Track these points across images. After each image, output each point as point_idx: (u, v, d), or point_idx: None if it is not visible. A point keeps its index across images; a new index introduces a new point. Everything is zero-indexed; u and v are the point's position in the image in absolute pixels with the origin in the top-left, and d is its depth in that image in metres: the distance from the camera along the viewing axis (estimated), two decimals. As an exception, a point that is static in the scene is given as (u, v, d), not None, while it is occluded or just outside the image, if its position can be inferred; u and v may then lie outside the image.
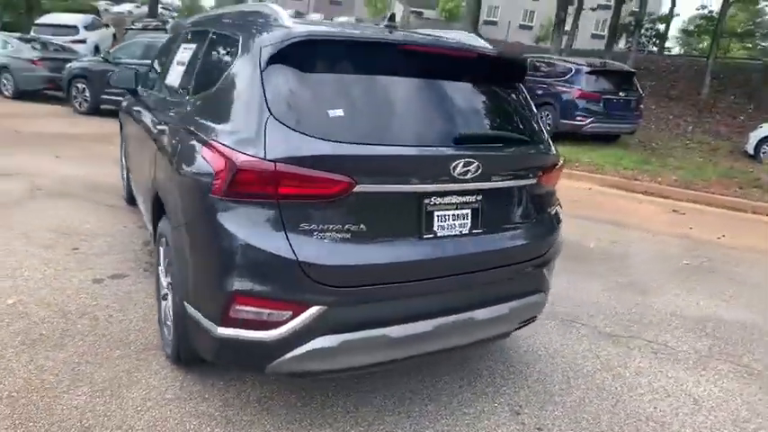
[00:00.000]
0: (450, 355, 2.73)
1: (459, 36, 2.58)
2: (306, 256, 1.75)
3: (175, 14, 30.88)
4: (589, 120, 9.46)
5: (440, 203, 1.99)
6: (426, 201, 1.96)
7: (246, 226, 1.76)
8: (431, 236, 1.98)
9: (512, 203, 2.25)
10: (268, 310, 1.78)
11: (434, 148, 1.95)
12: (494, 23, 40.17)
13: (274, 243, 1.74)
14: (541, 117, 10.41)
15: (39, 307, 2.90)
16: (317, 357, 1.84)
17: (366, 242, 1.86)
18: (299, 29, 1.93)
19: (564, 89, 9.76)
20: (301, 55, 1.87)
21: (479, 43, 2.51)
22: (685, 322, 3.61)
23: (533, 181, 2.25)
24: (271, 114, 1.78)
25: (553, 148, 2.41)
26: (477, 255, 2.09)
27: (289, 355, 1.82)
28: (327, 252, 1.79)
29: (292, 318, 1.78)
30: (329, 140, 1.77)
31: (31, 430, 2.01)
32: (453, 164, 1.93)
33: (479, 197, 2.09)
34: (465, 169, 1.96)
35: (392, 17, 2.35)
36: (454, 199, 2.03)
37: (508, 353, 2.93)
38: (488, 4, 44.00)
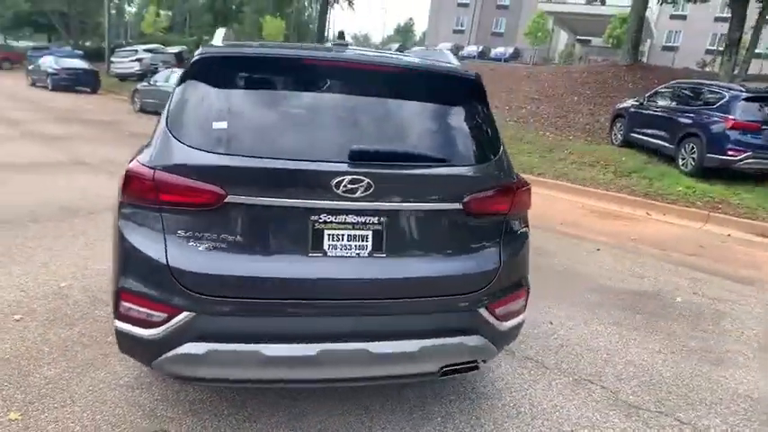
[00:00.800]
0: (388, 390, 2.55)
1: (433, 56, 2.45)
2: (177, 262, 1.83)
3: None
4: (744, 154, 7.94)
5: (331, 222, 1.91)
6: (314, 218, 1.89)
7: (135, 230, 1.90)
8: (319, 254, 1.90)
9: (428, 229, 2.04)
10: (147, 310, 1.88)
11: (316, 163, 1.87)
12: (672, 49, 36.27)
13: (153, 247, 1.85)
14: (684, 150, 9.09)
15: (80, 292, 3.43)
16: (185, 363, 1.88)
17: (242, 254, 1.87)
18: (206, 49, 2.05)
19: (713, 119, 8.36)
20: (201, 72, 1.98)
21: (444, 61, 2.36)
22: (753, 407, 2.80)
23: (456, 206, 2.02)
24: (166, 126, 1.92)
25: (503, 171, 2.14)
26: (376, 281, 1.94)
27: (164, 356, 1.89)
28: (198, 260, 1.84)
29: (167, 320, 1.85)
30: (204, 151, 1.83)
31: (3, 388, 2.39)
32: (336, 180, 1.84)
33: (383, 219, 1.95)
34: (352, 187, 1.86)
35: (341, 35, 2.34)
36: (350, 218, 1.92)
37: (479, 401, 2.61)
38: (669, 28, 40.00)
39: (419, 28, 77.40)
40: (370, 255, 1.95)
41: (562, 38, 40.25)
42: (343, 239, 1.92)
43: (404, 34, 77.44)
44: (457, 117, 2.18)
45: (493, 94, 16.81)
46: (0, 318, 2.99)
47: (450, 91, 2.20)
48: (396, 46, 40.71)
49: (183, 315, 1.83)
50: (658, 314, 3.96)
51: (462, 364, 2.15)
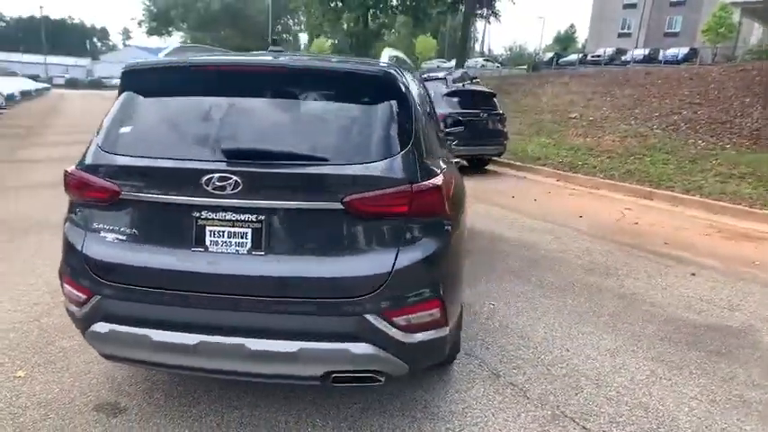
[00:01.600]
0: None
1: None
2: (89, 250, 2.09)
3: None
4: None
5: (212, 218, 2.00)
6: (196, 214, 2.00)
7: (71, 222, 2.22)
8: (201, 249, 2.00)
9: (309, 229, 1.99)
10: (75, 292, 2.17)
11: (191, 162, 1.98)
12: None
13: (77, 238, 2.14)
14: None
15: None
16: (96, 339, 2.12)
17: (137, 245, 2.05)
18: (130, 63, 2.29)
19: None
20: (124, 83, 2.23)
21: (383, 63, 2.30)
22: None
23: (336, 205, 1.94)
24: (96, 133, 2.21)
25: (401, 170, 1.99)
26: (253, 279, 1.97)
27: (86, 332, 2.16)
28: (102, 249, 2.07)
29: (86, 301, 2.12)
30: (109, 153, 2.07)
31: (26, 351, 2.93)
32: (206, 178, 1.93)
33: (262, 217, 1.98)
34: (221, 184, 1.92)
35: (275, 42, 2.42)
36: (229, 216, 1.99)
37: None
38: None
39: (581, 35, 72.74)
40: (249, 252, 1.99)
41: (754, 32, 34.31)
42: (223, 236, 2.00)
43: (564, 42, 73.55)
44: (352, 116, 2.11)
45: (639, 101, 15.31)
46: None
47: (350, 90, 2.14)
48: (549, 55, 38.98)
49: (94, 298, 2.08)
50: (723, 354, 3.21)
51: (355, 373, 2.05)
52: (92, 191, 2.09)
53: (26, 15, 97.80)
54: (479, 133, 9.72)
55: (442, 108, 9.52)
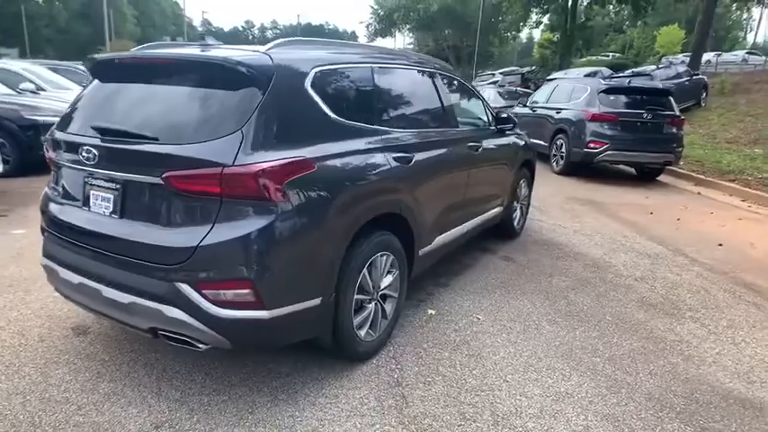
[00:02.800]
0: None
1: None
2: (42, 200, 2.72)
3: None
4: None
5: (92, 183, 2.40)
6: (86, 179, 2.43)
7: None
8: (86, 208, 2.43)
9: (144, 199, 2.23)
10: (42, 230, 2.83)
11: (77, 136, 2.39)
12: None
13: (48, 191, 2.79)
14: None
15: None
16: (45, 270, 2.73)
17: (59, 199, 2.59)
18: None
19: None
20: (91, 73, 2.75)
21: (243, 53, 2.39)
22: None
23: (157, 180, 2.13)
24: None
25: (222, 152, 2.07)
26: (108, 237, 2.30)
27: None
28: (45, 201, 2.67)
29: (43, 239, 2.78)
30: (56, 129, 2.62)
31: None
32: (80, 149, 2.33)
33: (119, 185, 2.30)
34: (87, 156, 2.30)
35: (202, 36, 2.66)
36: (99, 182, 2.36)
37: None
38: None
39: None
40: (109, 214, 2.34)
41: None
42: (98, 199, 2.39)
43: None
44: (197, 101, 2.25)
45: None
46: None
47: (203, 78, 2.29)
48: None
49: (44, 236, 2.71)
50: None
51: (174, 334, 2.24)
52: (48, 158, 2.71)
53: (295, 23, 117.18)
54: (641, 138, 8.40)
55: (590, 106, 8.53)
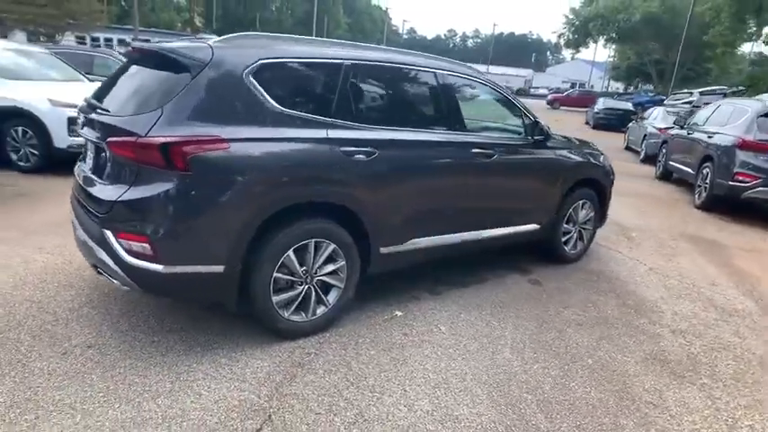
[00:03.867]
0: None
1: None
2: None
3: None
4: None
5: (87, 147, 3.00)
6: (86, 144, 3.05)
7: None
8: (86, 164, 3.04)
9: (101, 160, 2.73)
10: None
11: (84, 108, 2.99)
12: None
13: None
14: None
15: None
16: None
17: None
18: None
19: None
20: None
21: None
22: None
23: (103, 144, 2.59)
24: None
25: (142, 125, 2.44)
26: (84, 189, 2.86)
27: None
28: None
29: None
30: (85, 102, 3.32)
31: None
32: (82, 119, 2.94)
33: (94, 148, 2.85)
34: (80, 123, 2.90)
35: (197, 30, 3.07)
36: (89, 146, 2.95)
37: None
38: None
39: None
40: (90, 171, 2.91)
41: None
42: (88, 158, 2.98)
43: None
44: (148, 83, 2.68)
45: None
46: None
47: (159, 65, 2.72)
48: None
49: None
50: None
51: (103, 272, 2.70)
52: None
53: (498, 32, 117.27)
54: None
55: (745, 132, 7.15)
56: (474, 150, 3.63)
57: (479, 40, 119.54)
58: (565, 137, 4.81)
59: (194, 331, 3.00)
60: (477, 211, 3.79)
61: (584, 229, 4.79)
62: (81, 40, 29.23)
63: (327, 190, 2.93)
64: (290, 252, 2.84)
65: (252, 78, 2.70)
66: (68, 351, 2.72)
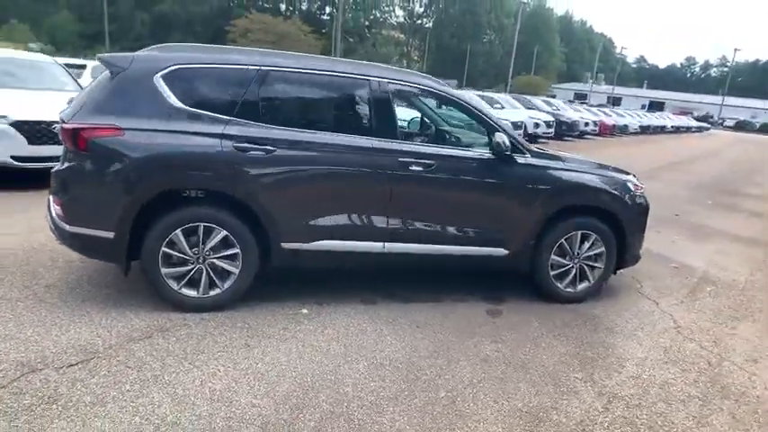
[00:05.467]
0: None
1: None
2: None
3: None
4: None
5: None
6: None
7: None
8: None
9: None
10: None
11: None
12: None
13: None
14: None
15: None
16: None
17: None
18: None
19: None
20: None
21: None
22: None
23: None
24: None
25: (66, 113, 3.13)
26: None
27: None
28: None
29: None
30: None
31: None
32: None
33: None
34: None
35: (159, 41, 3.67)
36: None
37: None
38: None
39: None
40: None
41: None
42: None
43: None
44: (94, 85, 3.35)
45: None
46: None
47: (105, 71, 3.33)
48: None
49: None
50: None
51: (51, 228, 3.46)
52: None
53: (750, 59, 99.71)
54: None
55: None
56: (403, 159, 3.53)
57: (725, 70, 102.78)
58: (563, 155, 4.23)
59: (114, 291, 3.56)
60: (408, 222, 3.64)
61: (588, 266, 4.09)
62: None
63: (213, 180, 3.25)
64: (179, 231, 3.23)
65: (161, 80, 3.21)
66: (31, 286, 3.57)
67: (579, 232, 3.99)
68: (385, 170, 3.51)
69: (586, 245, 4.04)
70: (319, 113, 3.63)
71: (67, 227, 3.19)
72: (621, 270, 4.41)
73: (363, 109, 3.61)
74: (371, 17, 66.29)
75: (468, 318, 3.70)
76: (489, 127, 3.81)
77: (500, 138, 3.65)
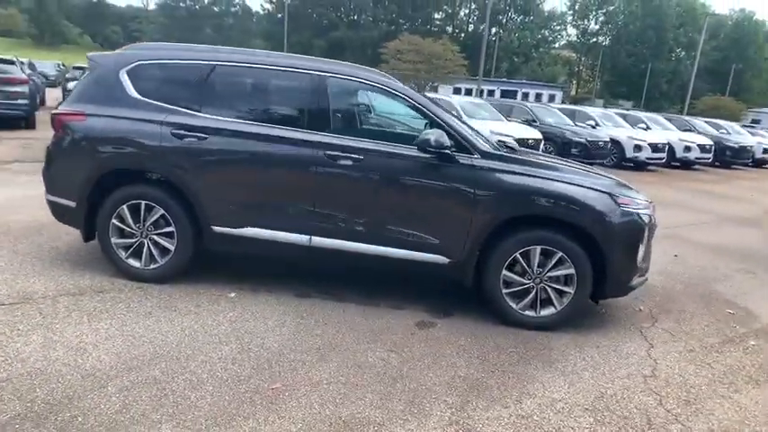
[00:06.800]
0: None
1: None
2: None
3: None
4: None
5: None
6: None
7: None
8: None
9: None
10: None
11: None
12: None
13: None
14: None
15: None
16: None
17: None
18: None
19: None
20: None
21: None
22: None
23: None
24: None
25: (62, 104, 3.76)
26: None
27: None
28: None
29: None
30: None
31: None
32: None
33: None
34: None
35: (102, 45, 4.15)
36: None
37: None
38: None
39: None
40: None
41: None
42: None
43: None
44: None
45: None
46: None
47: None
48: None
49: None
50: None
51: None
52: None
53: None
54: None
55: None
56: (332, 152, 3.48)
57: None
58: (540, 161, 3.72)
59: (85, 254, 4.10)
60: (336, 217, 3.55)
61: (555, 289, 3.51)
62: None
63: (151, 162, 3.60)
64: (125, 207, 3.64)
65: (125, 74, 3.68)
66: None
67: (539, 247, 3.46)
68: (312, 162, 3.50)
69: (550, 263, 3.48)
70: (257, 105, 3.76)
71: (47, 195, 3.82)
72: (613, 299, 3.69)
73: (299, 101, 3.67)
74: (539, 36, 64.18)
75: (389, 325, 3.46)
76: (434, 123, 3.55)
77: (431, 135, 3.37)
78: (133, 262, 3.74)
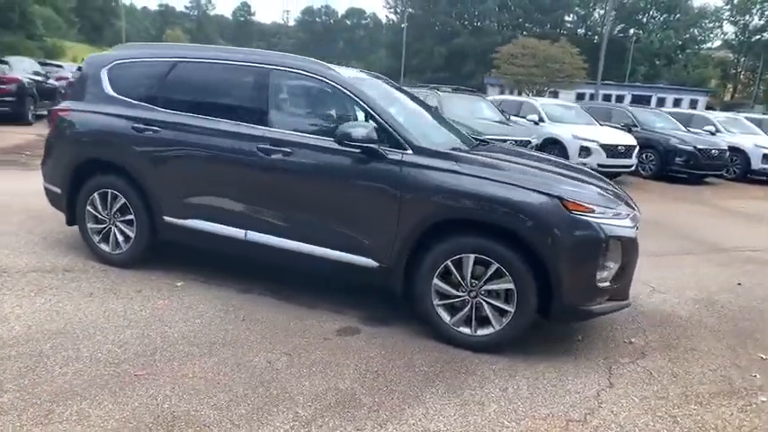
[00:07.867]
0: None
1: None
2: None
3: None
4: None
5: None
6: None
7: None
8: None
9: None
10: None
11: None
12: None
13: None
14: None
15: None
16: None
17: None
18: None
19: None
20: None
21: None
22: None
23: None
24: None
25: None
26: None
27: None
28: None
29: None
30: None
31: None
32: None
33: None
34: None
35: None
36: None
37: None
38: None
39: None
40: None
41: None
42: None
43: None
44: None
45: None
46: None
47: None
48: None
49: None
50: None
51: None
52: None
53: None
54: None
55: None
56: (263, 145, 3.41)
57: None
58: (498, 160, 3.29)
59: (72, 238, 4.46)
60: (266, 212, 3.47)
61: (493, 306, 3.06)
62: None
63: (115, 153, 3.83)
64: (96, 194, 3.94)
65: (105, 72, 3.99)
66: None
67: (472, 256, 3.04)
68: (245, 155, 3.47)
69: (486, 275, 3.03)
70: (207, 99, 3.78)
71: (43, 182, 4.27)
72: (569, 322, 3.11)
73: (243, 95, 3.65)
74: (686, 36, 57.43)
75: (307, 328, 3.28)
76: (368, 116, 3.31)
77: (351, 128, 3.13)
78: (104, 246, 4.02)
